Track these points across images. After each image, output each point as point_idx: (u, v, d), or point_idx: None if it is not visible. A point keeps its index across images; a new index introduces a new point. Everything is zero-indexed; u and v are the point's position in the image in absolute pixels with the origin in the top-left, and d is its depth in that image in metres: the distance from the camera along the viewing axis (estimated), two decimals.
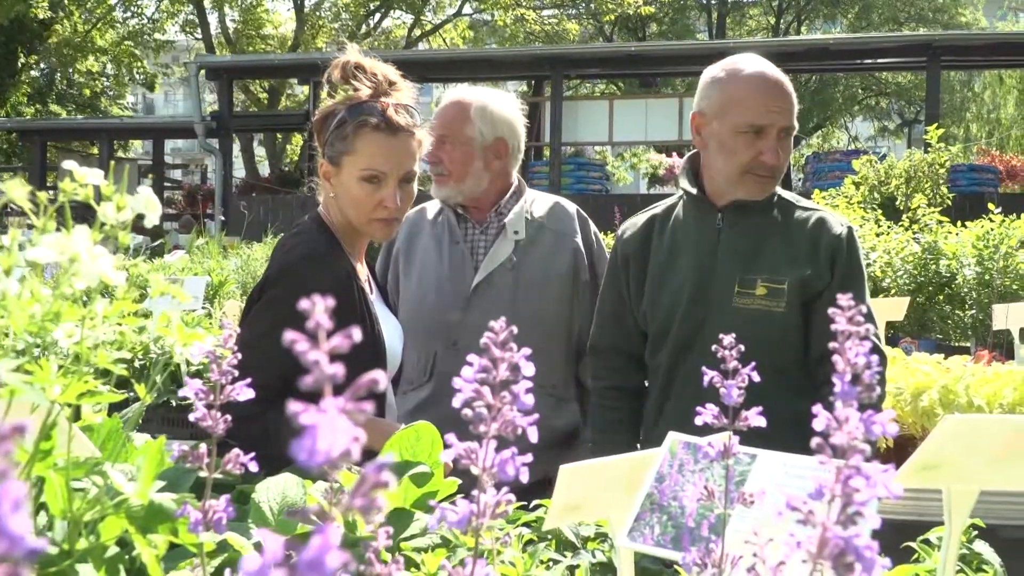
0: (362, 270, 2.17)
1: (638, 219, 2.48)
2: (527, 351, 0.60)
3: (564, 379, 2.70)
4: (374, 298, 2.18)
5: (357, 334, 0.35)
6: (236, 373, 0.83)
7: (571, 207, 2.82)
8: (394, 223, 2.09)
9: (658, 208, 2.47)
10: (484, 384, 0.58)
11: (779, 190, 2.37)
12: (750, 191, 2.29)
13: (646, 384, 2.45)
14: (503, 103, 2.69)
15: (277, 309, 1.96)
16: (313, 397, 0.33)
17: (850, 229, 2.31)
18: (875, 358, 0.55)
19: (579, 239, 2.76)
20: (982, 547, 1.47)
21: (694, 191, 2.34)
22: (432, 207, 2.78)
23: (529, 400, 0.58)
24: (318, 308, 0.34)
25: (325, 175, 2.06)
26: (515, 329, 0.61)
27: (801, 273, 2.22)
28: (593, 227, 2.85)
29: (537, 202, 2.77)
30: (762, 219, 2.31)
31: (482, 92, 2.73)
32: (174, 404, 3.66)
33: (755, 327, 2.15)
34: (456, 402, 0.59)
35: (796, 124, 2.30)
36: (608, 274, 2.49)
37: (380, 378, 0.36)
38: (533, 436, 0.59)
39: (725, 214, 2.31)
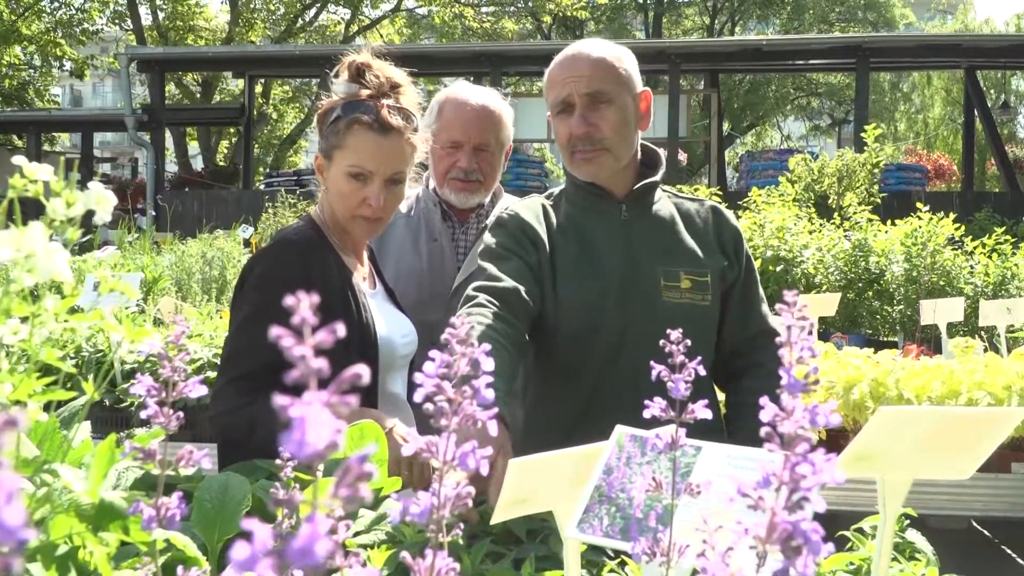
0: (360, 266, 2.20)
1: (528, 203, 2.30)
2: (487, 346, 0.61)
3: None
4: (376, 293, 2.21)
5: (341, 329, 0.36)
6: (188, 369, 0.83)
7: None
8: (378, 222, 2.12)
9: (540, 198, 2.32)
10: (445, 379, 0.60)
11: (663, 186, 2.29)
12: (580, 170, 2.19)
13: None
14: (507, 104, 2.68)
15: (253, 299, 2.00)
16: (298, 388, 0.34)
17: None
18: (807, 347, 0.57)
19: None
20: (914, 536, 1.52)
21: (586, 180, 2.21)
22: (404, 201, 2.72)
23: (489, 395, 0.60)
24: (303, 304, 0.35)
25: (319, 168, 2.12)
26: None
27: (719, 264, 2.19)
28: None
29: (512, 206, 2.76)
30: (659, 209, 2.23)
31: (493, 94, 2.67)
32: (108, 403, 3.61)
33: (684, 322, 2.12)
34: (417, 397, 0.60)
35: (612, 89, 2.14)
36: (501, 244, 2.17)
37: (363, 372, 0.37)
38: (493, 430, 0.60)
39: (628, 205, 2.21)
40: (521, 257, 2.13)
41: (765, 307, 2.30)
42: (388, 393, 2.15)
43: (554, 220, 2.23)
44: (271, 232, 10.70)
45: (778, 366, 0.57)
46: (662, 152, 2.34)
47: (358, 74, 2.07)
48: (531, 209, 2.25)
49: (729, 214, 2.31)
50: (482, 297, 1.99)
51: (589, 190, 2.22)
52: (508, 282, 2.04)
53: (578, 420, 2.13)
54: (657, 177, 2.25)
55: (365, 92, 2.05)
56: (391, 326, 2.15)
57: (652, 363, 0.86)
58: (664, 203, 2.26)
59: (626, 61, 2.20)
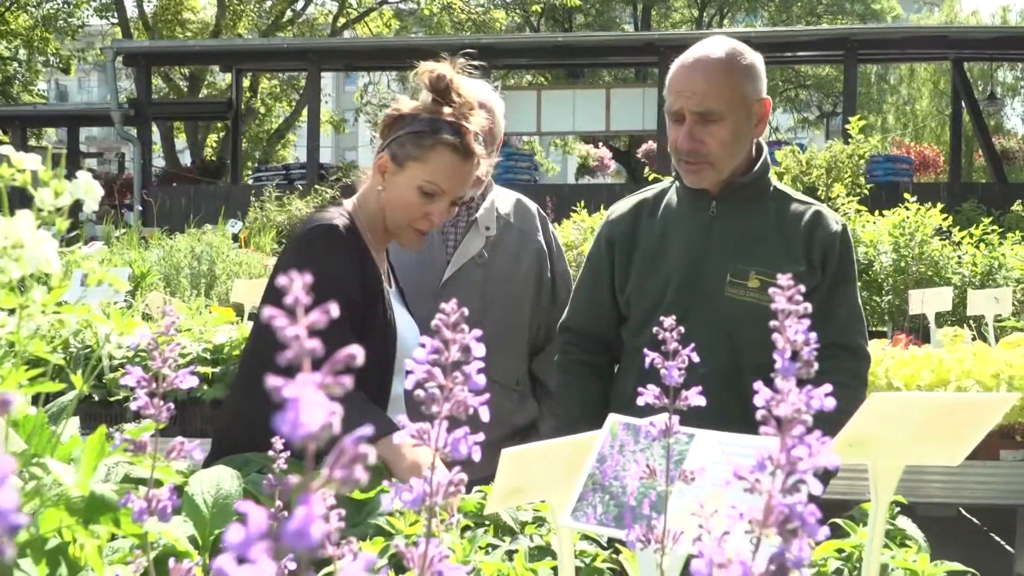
0: (382, 265, 2.19)
1: (627, 201, 2.42)
2: (478, 332, 0.61)
3: (525, 376, 2.69)
4: (393, 292, 2.21)
5: (335, 309, 0.35)
6: (179, 360, 0.83)
7: (532, 205, 2.77)
8: (426, 236, 2.16)
9: (648, 192, 2.41)
10: (436, 365, 0.59)
11: (776, 182, 2.33)
12: (685, 178, 2.24)
13: (614, 367, 2.41)
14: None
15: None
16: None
17: (844, 227, 2.26)
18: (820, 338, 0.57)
19: (541, 238, 2.72)
20: (905, 523, 1.53)
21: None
22: None
23: (481, 380, 0.59)
24: (296, 284, 0.34)
25: (381, 168, 2.10)
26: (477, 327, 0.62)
27: (795, 268, 2.14)
28: (551, 226, 2.82)
29: (501, 198, 2.72)
30: (757, 209, 2.25)
31: (483, 85, 2.60)
32: (96, 399, 3.58)
33: (743, 320, 2.12)
34: (408, 384, 0.60)
35: (723, 108, 2.16)
36: (590, 256, 2.41)
37: (358, 353, 0.37)
38: (485, 415, 0.60)
39: (719, 201, 2.25)
40: (599, 273, 2.36)
41: (850, 320, 2.24)
42: (392, 394, 2.12)
43: (649, 211, 2.35)
44: (259, 227, 10.65)
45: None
46: (765, 150, 2.34)
47: (444, 90, 2.07)
48: (627, 204, 2.41)
49: (831, 219, 2.26)
50: (568, 343, 2.41)
51: (686, 186, 2.28)
52: (580, 315, 2.39)
53: (628, 405, 2.17)
54: (746, 179, 2.25)
55: (447, 110, 2.06)
56: (405, 326, 2.15)
57: (645, 351, 0.86)
58: (766, 203, 2.27)
59: (745, 71, 2.21)
